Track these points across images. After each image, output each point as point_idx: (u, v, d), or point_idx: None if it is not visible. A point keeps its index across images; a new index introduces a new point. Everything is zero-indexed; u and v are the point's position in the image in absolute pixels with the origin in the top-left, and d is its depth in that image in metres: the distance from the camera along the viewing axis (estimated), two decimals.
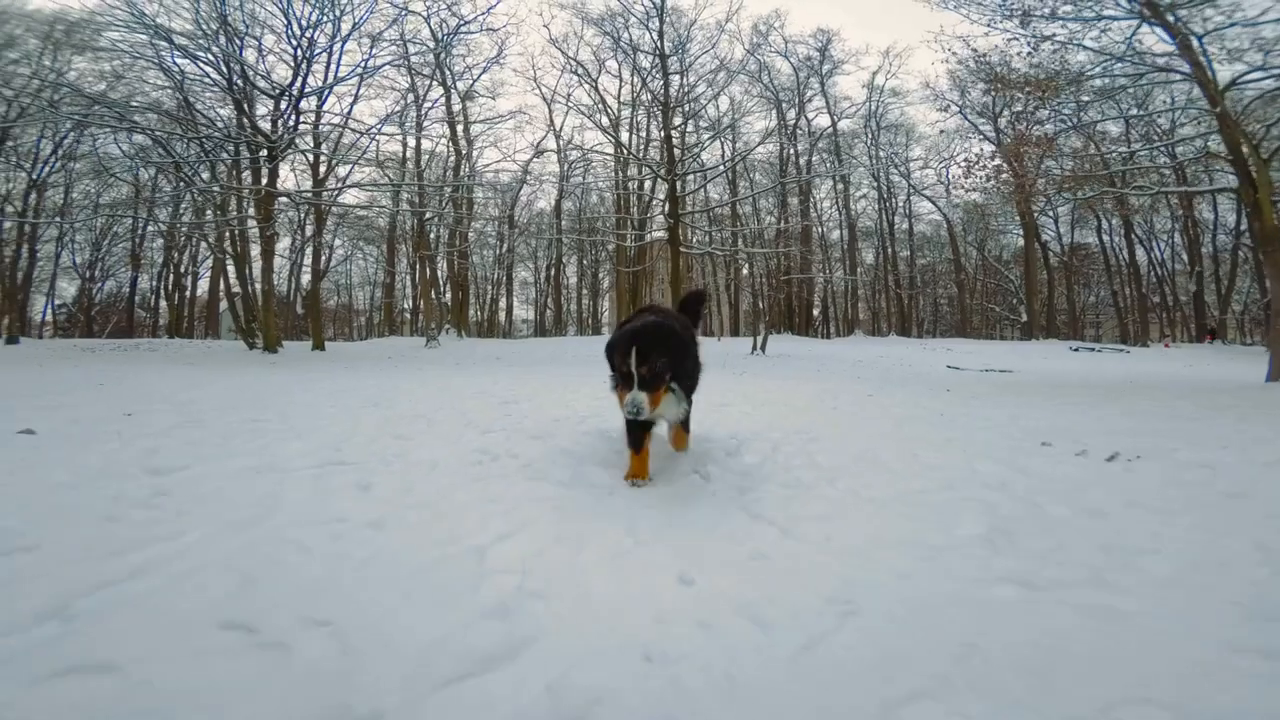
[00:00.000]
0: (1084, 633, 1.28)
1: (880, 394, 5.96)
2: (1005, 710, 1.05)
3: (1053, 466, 2.71)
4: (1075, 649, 1.22)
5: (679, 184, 16.03)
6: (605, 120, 21.06)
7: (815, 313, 33.63)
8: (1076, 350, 18.64)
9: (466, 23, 17.91)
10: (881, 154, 27.31)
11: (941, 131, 19.49)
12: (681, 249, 15.15)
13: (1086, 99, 8.76)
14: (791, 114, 26.98)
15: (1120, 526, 1.94)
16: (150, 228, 25.62)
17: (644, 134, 24.43)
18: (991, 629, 1.32)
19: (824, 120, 27.25)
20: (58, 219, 23.73)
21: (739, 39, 20.82)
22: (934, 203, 24.11)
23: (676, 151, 17.41)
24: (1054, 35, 7.82)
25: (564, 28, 20.21)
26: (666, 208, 16.21)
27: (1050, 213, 18.82)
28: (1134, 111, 14.67)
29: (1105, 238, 28.37)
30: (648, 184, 23.67)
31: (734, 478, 2.58)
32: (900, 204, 29.67)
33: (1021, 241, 26.74)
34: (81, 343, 18.35)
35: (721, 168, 21.16)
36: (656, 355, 2.23)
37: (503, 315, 31.25)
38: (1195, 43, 7.33)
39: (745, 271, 25.14)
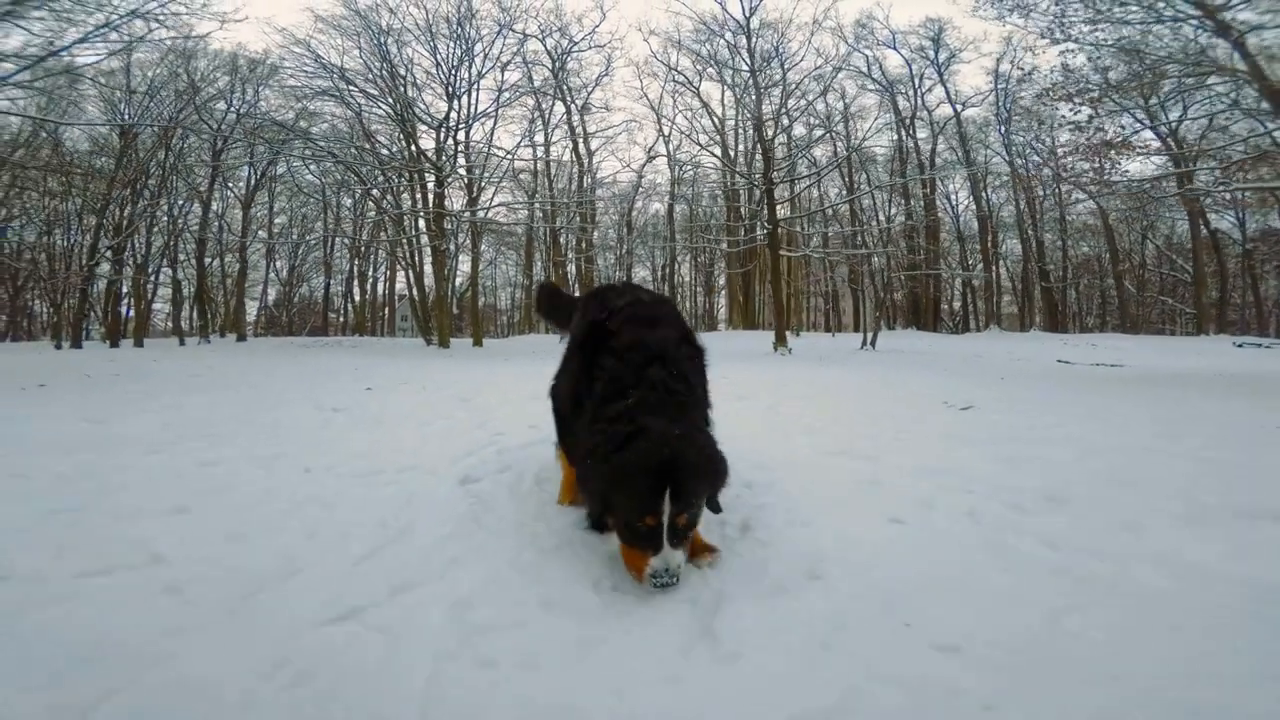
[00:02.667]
0: None
1: (929, 382, 7.38)
2: None
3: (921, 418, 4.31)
4: None
5: (777, 189, 17.59)
6: (711, 124, 22.94)
7: (955, 306, 32.95)
8: (1240, 346, 17.32)
9: (576, 43, 21.12)
10: (1019, 140, 26.35)
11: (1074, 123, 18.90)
12: (782, 252, 16.56)
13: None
14: (907, 105, 26.95)
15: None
16: (337, 239, 31.50)
17: (750, 137, 25.97)
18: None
19: (947, 110, 26.91)
20: (262, 233, 30.16)
21: (841, 35, 21.81)
22: (1084, 189, 22.96)
23: (777, 154, 18.99)
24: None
25: (664, 41, 22.45)
26: (765, 214, 17.74)
27: (1225, 197, 17.45)
28: None
29: None
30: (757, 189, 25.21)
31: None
32: (1048, 191, 28.28)
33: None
34: (294, 340, 23.72)
35: (827, 166, 22.03)
36: (703, 486, 1.61)
37: None
38: None
39: (865, 267, 25.57)
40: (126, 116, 20.79)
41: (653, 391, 1.67)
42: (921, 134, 27.57)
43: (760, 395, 5.18)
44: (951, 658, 1.22)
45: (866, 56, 25.22)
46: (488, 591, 1.53)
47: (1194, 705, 1.07)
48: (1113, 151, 9.05)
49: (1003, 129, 23.48)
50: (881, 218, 28.25)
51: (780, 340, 16.12)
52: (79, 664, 1.17)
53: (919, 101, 26.92)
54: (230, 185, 27.14)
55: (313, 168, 24.23)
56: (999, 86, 22.09)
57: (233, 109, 22.68)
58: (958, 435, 3.41)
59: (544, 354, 16.74)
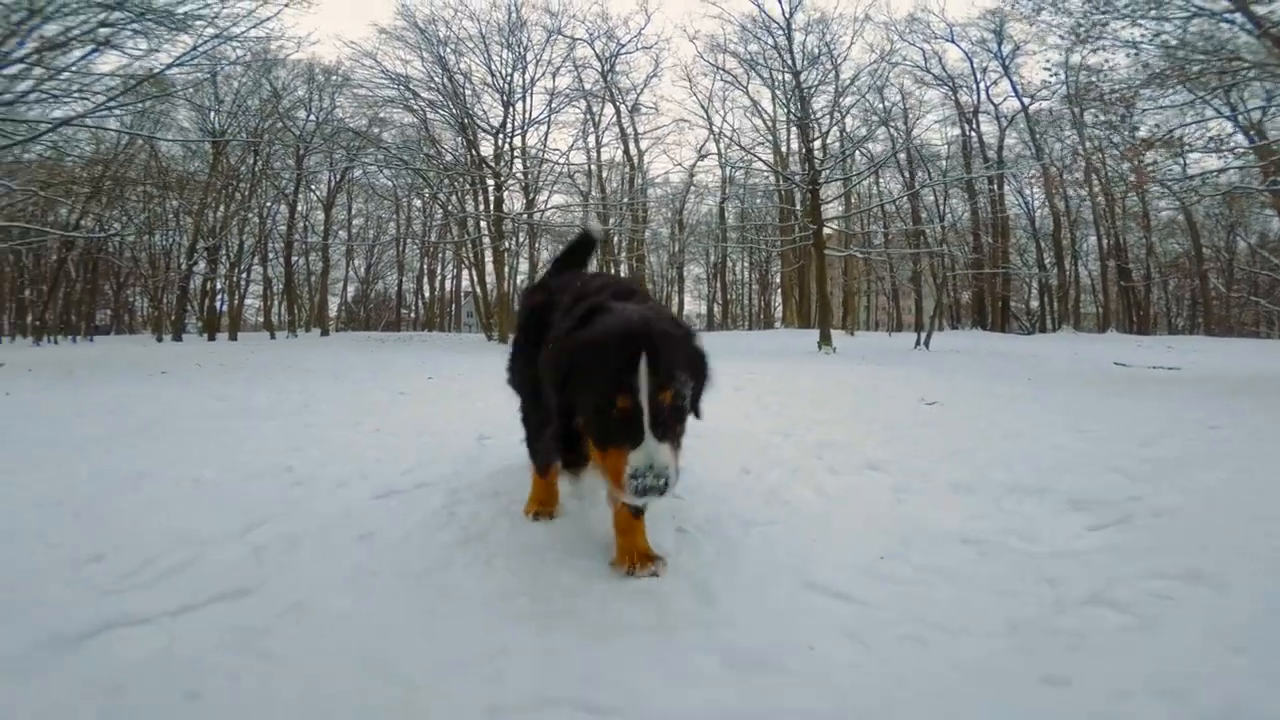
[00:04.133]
0: None
1: (940, 377, 7.94)
2: None
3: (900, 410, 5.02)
4: None
5: (831, 185, 17.98)
6: (761, 122, 23.43)
7: (1032, 306, 31.96)
8: None
9: (623, 45, 22.24)
10: (1098, 134, 25.39)
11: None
12: (826, 251, 17.00)
13: None
14: (970, 100, 26.44)
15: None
16: (408, 239, 33.94)
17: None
18: None
19: (1014, 104, 26.22)
20: (342, 233, 32.91)
21: (895, 29, 21.84)
22: (1164, 185, 21.97)
23: (831, 150, 19.35)
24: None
25: (708, 43, 22.92)
26: (803, 209, 18.14)
27: None
28: None
29: None
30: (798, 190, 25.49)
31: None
32: (1126, 187, 27.06)
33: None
34: (371, 334, 26.00)
35: (874, 163, 22.12)
36: (683, 363, 1.42)
37: (678, 310, 35.26)
38: None
39: (923, 264, 25.36)
40: (215, 123, 23.53)
41: (619, 296, 1.61)
42: (987, 128, 27.01)
43: (749, 387, 6.00)
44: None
45: (923, 51, 25.02)
46: (475, 482, 2.52)
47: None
48: (1150, 150, 9.17)
49: (1075, 123, 22.80)
50: (949, 215, 27.87)
51: (825, 339, 16.55)
52: (284, 503, 2.24)
53: (983, 95, 26.39)
54: (313, 188, 29.82)
55: (386, 172, 26.48)
56: (1069, 79, 21.48)
57: (312, 116, 25.27)
58: (888, 420, 4.16)
59: None
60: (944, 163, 27.70)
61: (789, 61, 16.44)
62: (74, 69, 10.46)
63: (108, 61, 11.18)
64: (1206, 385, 6.95)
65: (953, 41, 25.05)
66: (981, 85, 26.05)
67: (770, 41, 18.07)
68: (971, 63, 25.47)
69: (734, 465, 2.77)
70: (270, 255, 29.67)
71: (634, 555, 1.65)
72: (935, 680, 1.20)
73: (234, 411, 4.58)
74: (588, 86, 23.12)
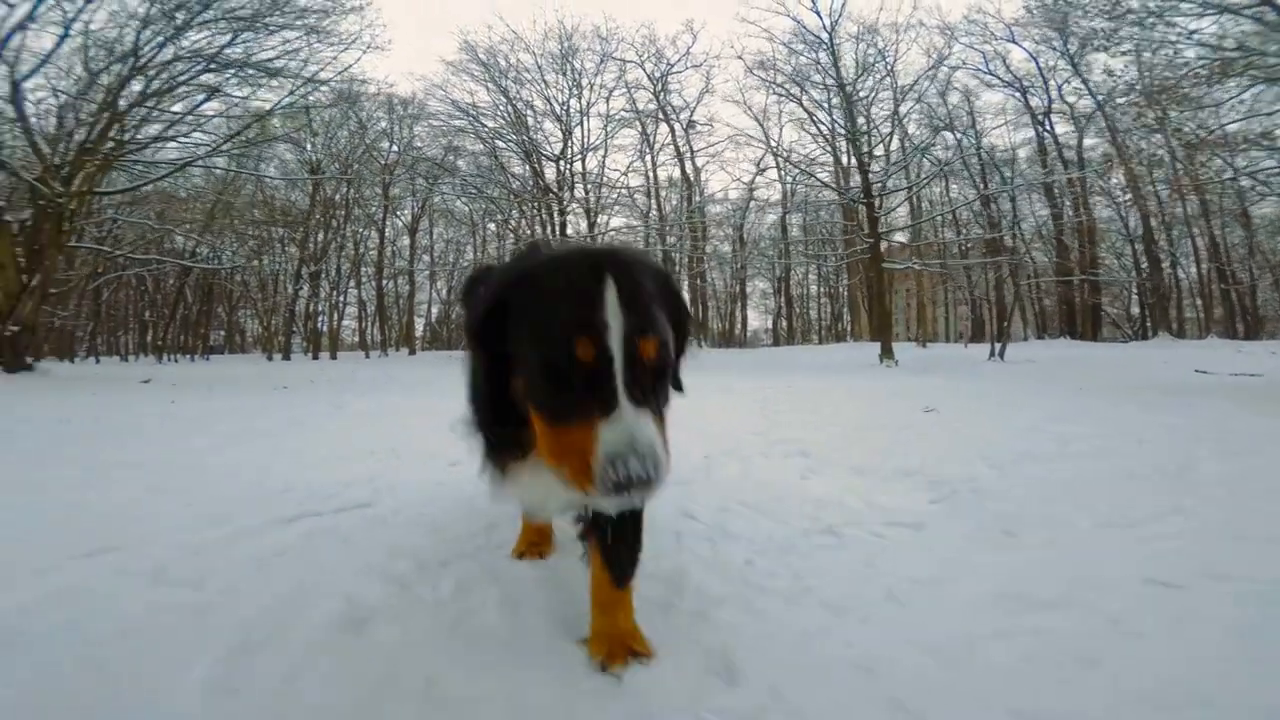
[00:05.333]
0: None
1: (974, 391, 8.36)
2: None
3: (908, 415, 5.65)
4: None
5: (896, 194, 18.17)
6: (818, 131, 23.77)
7: (1133, 312, 30.39)
8: None
9: (672, 65, 23.36)
10: (1184, 129, 24.09)
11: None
12: (884, 265, 17.26)
13: None
14: (1037, 101, 25.68)
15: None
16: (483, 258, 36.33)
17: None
18: None
19: (1088, 102, 25.24)
20: (426, 257, 35.70)
21: (948, 32, 21.71)
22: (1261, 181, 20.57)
23: (891, 158, 19.48)
24: None
25: (757, 59, 23.25)
26: (856, 222, 18.34)
27: None
28: None
29: None
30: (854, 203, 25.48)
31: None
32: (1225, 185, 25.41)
33: None
34: (454, 354, 27.99)
35: (933, 171, 21.94)
36: (661, 297, 1.03)
37: (740, 326, 35.83)
38: None
39: (999, 273, 24.73)
40: (311, 155, 26.52)
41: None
42: (1064, 129, 26.14)
43: (773, 398, 6.77)
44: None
45: (983, 54, 24.62)
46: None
47: None
48: (1198, 154, 9.19)
49: (1157, 120, 21.82)
50: (1031, 220, 27.08)
51: (886, 353, 16.78)
52: (369, 472, 3.31)
53: (1055, 95, 25.62)
54: (398, 214, 32.82)
55: (462, 199, 28.92)
56: (1144, 76, 20.61)
57: (394, 146, 28.13)
58: (869, 424, 4.85)
59: None
60: (1022, 166, 26.98)
61: (835, 76, 16.81)
62: (191, 115, 12.77)
63: (212, 107, 13.56)
64: (1266, 394, 6.83)
65: (1014, 42, 24.58)
66: (1051, 84, 25.32)
67: (814, 57, 18.42)
68: (1037, 62, 24.87)
69: (699, 452, 3.54)
70: (364, 279, 32.75)
71: (613, 641, 1.23)
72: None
73: (346, 415, 5.86)
74: (640, 106, 24.53)
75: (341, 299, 31.97)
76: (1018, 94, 25.55)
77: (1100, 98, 22.31)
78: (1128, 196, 25.90)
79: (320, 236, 28.38)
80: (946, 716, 1.09)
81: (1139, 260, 27.71)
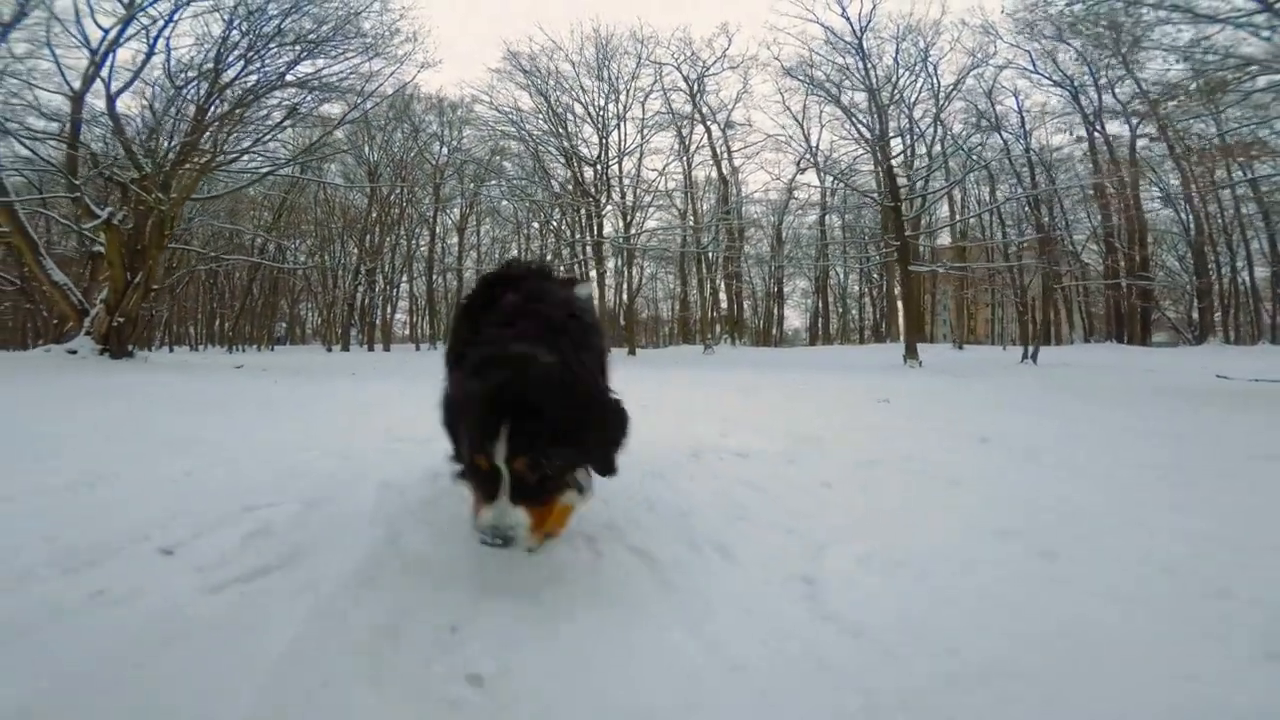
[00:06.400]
0: None
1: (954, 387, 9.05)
2: None
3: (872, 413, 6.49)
4: None
5: (941, 195, 18.49)
6: (858, 132, 24.09)
7: (1192, 317, 29.55)
8: None
9: (709, 67, 24.05)
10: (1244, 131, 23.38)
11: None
12: (911, 267, 17.57)
13: None
14: (1087, 101, 25.25)
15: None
16: (526, 256, 38.03)
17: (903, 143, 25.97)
18: None
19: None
20: (473, 253, 37.64)
21: (992, 30, 21.68)
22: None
23: (933, 158, 19.77)
24: None
25: (796, 62, 23.06)
26: (881, 225, 18.60)
27: None
28: None
29: None
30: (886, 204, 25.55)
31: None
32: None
33: None
34: None
35: (961, 173, 21.95)
36: (562, 428, 1.34)
37: (776, 325, 36.35)
38: None
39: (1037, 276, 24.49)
40: (370, 156, 28.63)
41: (524, 318, 1.54)
42: (1116, 130, 25.65)
43: (763, 391, 7.70)
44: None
45: (1030, 52, 24.35)
46: None
47: None
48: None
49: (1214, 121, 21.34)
50: (1085, 221, 26.68)
51: (910, 353, 17.23)
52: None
53: (1106, 94, 25.17)
54: (447, 213, 34.78)
55: (506, 200, 30.65)
56: (1196, 74, 20.07)
57: (444, 148, 30.04)
58: (814, 410, 5.74)
59: (687, 363, 19.59)
60: (1077, 169, 26.62)
61: (865, 81, 17.17)
62: (268, 134, 14.53)
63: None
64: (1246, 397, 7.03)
65: (1062, 40, 24.23)
66: (1101, 83, 24.89)
67: (844, 62, 18.68)
68: (1086, 60, 24.49)
69: (668, 425, 4.53)
70: (415, 275, 34.83)
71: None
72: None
73: (410, 396, 7.02)
74: (675, 107, 25.41)
75: (394, 293, 34.07)
76: (1067, 93, 25.26)
77: (1153, 96, 21.94)
78: (1180, 198, 25.34)
79: (377, 234, 30.50)
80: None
81: (1203, 264, 27.02)
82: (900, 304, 30.36)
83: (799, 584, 1.57)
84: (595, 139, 23.39)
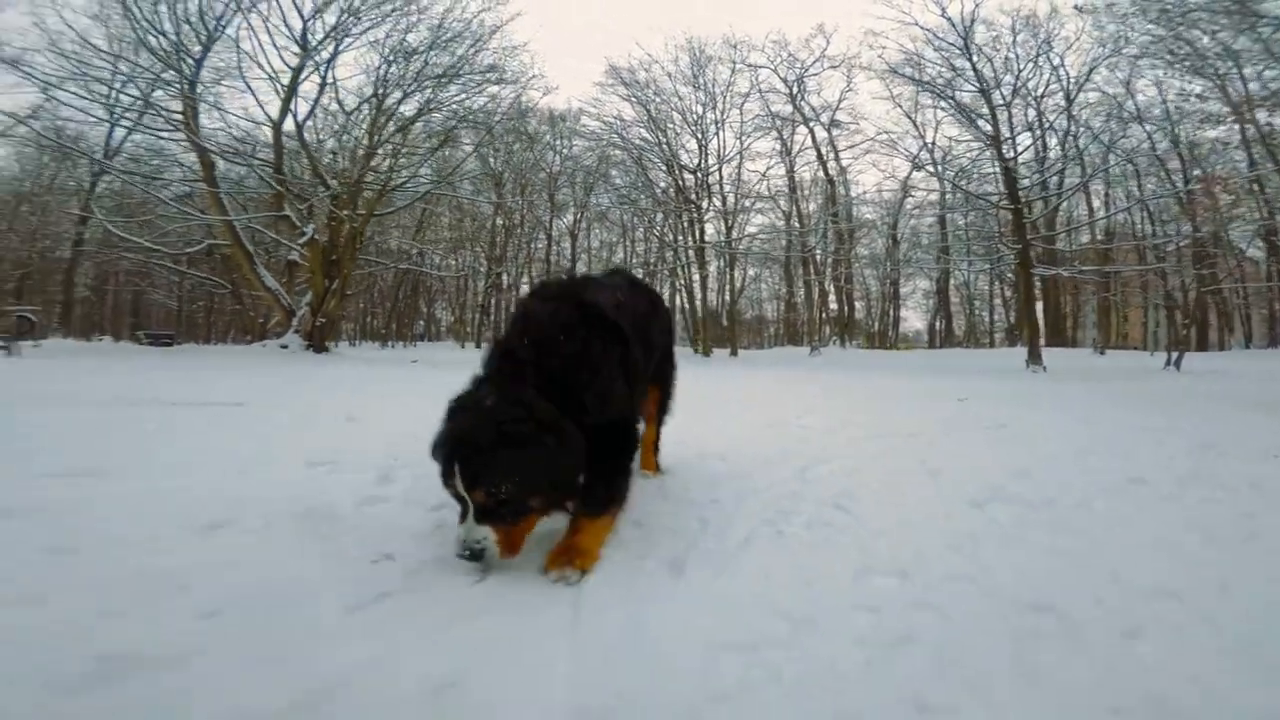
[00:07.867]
0: None
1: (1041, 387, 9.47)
2: None
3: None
4: None
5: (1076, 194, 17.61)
6: (985, 128, 23.33)
7: None
8: None
9: (807, 67, 24.32)
10: None
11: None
12: (1033, 271, 17.10)
13: None
14: (1239, 89, 22.65)
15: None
16: (633, 264, 39.94)
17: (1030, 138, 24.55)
18: None
19: None
20: (584, 256, 40.13)
21: (1120, 18, 20.24)
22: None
23: (1067, 153, 18.95)
24: None
25: (899, 57, 22.09)
26: (1006, 226, 17.89)
27: None
28: None
29: None
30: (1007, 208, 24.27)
31: None
32: None
33: None
34: None
35: (1085, 176, 20.59)
36: (501, 476, 1.60)
37: (893, 327, 35.67)
38: None
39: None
40: (494, 165, 31.64)
41: (506, 361, 1.85)
42: (1264, 118, 22.96)
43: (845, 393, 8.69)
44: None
45: (1164, 39, 22.27)
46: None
47: None
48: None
49: None
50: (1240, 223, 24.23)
51: (1033, 358, 17.03)
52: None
53: (1253, 82, 22.54)
54: (561, 218, 37.31)
55: (614, 207, 32.67)
56: None
57: (556, 156, 32.48)
58: (874, 407, 6.72)
59: (789, 362, 20.23)
60: (1235, 160, 24.21)
61: (976, 81, 16.84)
62: (429, 155, 17.29)
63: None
64: None
65: (1196, 27, 21.98)
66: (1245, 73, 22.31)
67: (951, 64, 18.17)
68: (1224, 45, 22.06)
69: (727, 403, 5.80)
70: (534, 275, 37.87)
71: (561, 552, 1.70)
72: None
73: None
74: (775, 110, 25.84)
75: (516, 294, 37.29)
76: (1213, 81, 22.99)
77: None
78: None
79: (502, 238, 33.73)
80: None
81: None
82: (1026, 306, 29.08)
83: (793, 472, 2.95)
84: (694, 146, 24.52)
